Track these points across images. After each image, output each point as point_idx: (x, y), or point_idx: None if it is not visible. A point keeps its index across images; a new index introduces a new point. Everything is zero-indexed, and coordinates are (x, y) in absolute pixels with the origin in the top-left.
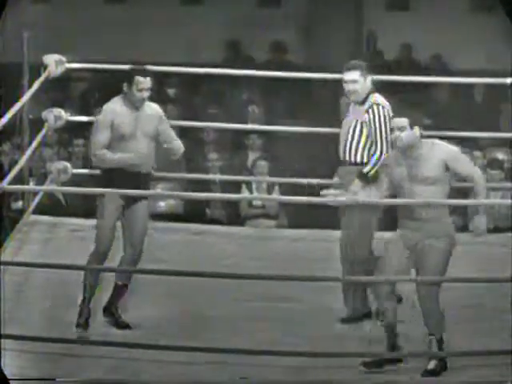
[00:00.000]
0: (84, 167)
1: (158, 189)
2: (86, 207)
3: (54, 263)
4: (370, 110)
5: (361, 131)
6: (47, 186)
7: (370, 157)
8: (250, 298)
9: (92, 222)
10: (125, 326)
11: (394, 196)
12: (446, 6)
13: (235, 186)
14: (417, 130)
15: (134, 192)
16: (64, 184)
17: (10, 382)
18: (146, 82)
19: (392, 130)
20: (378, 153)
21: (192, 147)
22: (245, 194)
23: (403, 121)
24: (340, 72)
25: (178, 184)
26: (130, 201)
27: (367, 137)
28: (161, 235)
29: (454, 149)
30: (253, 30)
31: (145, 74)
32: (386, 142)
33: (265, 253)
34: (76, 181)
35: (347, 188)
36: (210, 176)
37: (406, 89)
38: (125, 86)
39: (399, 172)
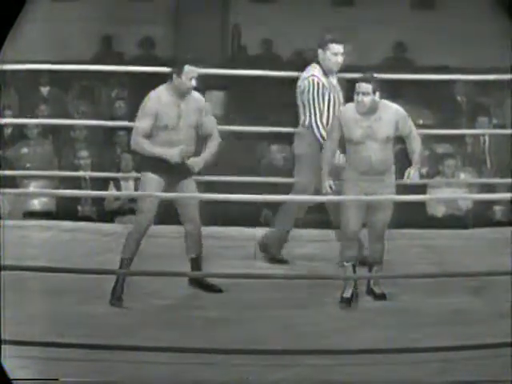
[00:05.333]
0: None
1: (31, 187)
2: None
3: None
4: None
5: None
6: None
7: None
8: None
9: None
10: (218, 290)
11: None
12: None
13: (106, 184)
14: (377, 95)
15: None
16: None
17: (13, 382)
18: (195, 71)
19: (357, 93)
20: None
21: (63, 145)
22: (112, 190)
23: (367, 86)
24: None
25: (49, 182)
26: (174, 181)
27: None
28: (33, 233)
29: (402, 110)
30: (124, 25)
31: (195, 63)
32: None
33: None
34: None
35: None
36: (81, 173)
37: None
38: (174, 75)
39: (360, 132)
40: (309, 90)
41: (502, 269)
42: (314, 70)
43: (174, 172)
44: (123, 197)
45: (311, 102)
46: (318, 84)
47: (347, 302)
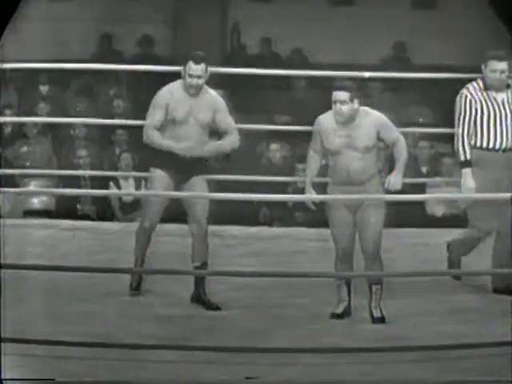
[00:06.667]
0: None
1: (31, 186)
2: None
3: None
4: None
5: None
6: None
7: None
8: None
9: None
10: (216, 308)
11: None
12: None
13: (105, 182)
14: (356, 103)
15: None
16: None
17: (4, 382)
18: (196, 69)
19: (334, 102)
20: None
21: (62, 144)
22: (113, 190)
23: (344, 95)
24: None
25: (50, 180)
26: (182, 180)
27: None
28: (33, 231)
29: (383, 117)
30: (123, 23)
31: (198, 60)
32: None
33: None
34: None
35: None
36: (81, 172)
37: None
38: (182, 71)
39: (338, 142)
40: (456, 104)
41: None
42: (470, 85)
43: (183, 169)
44: (122, 196)
45: (456, 116)
46: (466, 98)
47: (337, 318)
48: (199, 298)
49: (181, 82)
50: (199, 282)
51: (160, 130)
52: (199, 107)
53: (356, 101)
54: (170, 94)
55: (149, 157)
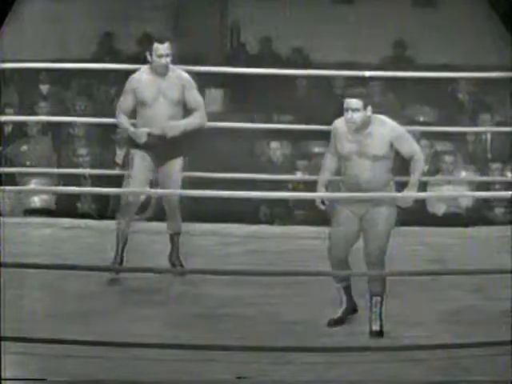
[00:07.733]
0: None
1: (32, 184)
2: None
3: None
4: None
5: None
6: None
7: None
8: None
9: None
10: (181, 265)
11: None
12: None
13: (105, 181)
14: (369, 111)
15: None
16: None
17: (2, 381)
18: (163, 48)
19: (346, 110)
20: None
21: (62, 142)
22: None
23: (357, 102)
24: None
25: (50, 179)
26: (160, 162)
27: None
28: (33, 230)
29: (400, 129)
30: (124, 22)
31: (162, 40)
32: None
33: (136, 246)
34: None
35: None
36: (81, 170)
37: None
38: (147, 55)
39: (349, 147)
40: None
41: (501, 267)
42: None
43: (159, 152)
44: (125, 194)
45: None
46: None
47: (335, 324)
48: (172, 259)
49: (147, 67)
50: (172, 243)
51: (134, 114)
52: (168, 86)
53: (369, 108)
54: (138, 78)
55: (128, 140)
